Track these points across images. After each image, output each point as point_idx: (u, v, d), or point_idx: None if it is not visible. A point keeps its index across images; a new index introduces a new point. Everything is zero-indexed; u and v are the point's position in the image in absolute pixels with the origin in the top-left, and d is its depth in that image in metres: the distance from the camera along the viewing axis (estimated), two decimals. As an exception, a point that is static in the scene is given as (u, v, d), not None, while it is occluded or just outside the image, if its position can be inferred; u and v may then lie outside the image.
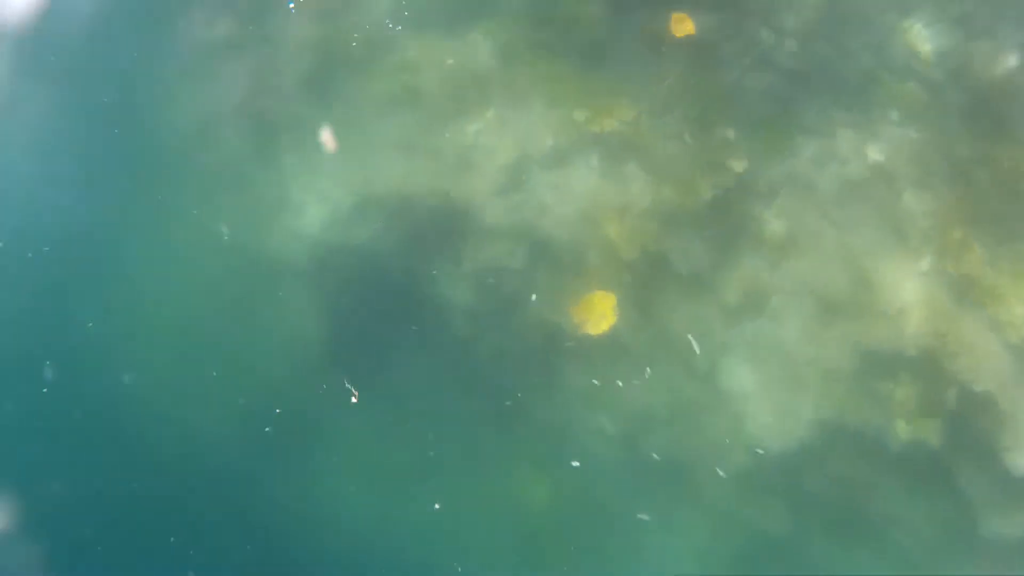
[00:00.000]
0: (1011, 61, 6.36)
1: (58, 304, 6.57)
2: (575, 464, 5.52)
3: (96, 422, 6.18)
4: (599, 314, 5.47)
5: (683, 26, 6.24)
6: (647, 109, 5.96)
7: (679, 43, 6.25)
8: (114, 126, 7.25)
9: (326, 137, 6.81)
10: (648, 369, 5.48)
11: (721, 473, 5.25)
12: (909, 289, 5.61)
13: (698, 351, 5.48)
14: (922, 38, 6.49)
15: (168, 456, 5.99)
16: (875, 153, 6.03)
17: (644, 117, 5.94)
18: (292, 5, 7.38)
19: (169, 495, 5.93)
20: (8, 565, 5.74)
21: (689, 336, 5.55)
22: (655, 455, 5.37)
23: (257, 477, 5.94)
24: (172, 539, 5.71)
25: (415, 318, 6.17)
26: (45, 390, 6.19)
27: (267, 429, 5.95)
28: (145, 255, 6.77)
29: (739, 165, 5.83)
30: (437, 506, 5.59)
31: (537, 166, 6.10)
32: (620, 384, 5.59)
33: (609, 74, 6.15)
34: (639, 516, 5.34)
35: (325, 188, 6.61)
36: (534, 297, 5.88)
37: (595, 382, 5.67)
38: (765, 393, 5.34)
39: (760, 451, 5.23)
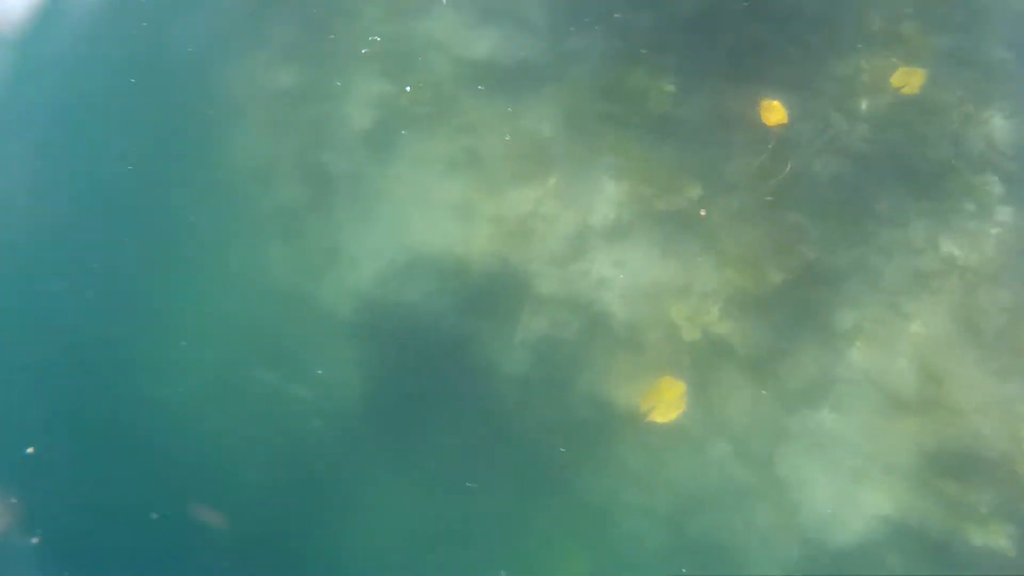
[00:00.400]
0: (1094, 158, 7.03)
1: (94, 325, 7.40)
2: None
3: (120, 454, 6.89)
4: (667, 401, 6.09)
5: (774, 114, 7.05)
6: (715, 189, 6.72)
7: (753, 125, 7.05)
8: (163, 164, 8.26)
9: (384, 193, 7.69)
10: (704, 450, 6.05)
11: (770, 557, 5.74)
12: (982, 388, 6.13)
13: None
14: (1001, 129, 7.21)
15: (184, 501, 6.65)
16: (949, 245, 6.67)
17: (712, 196, 6.69)
18: (365, 50, 8.42)
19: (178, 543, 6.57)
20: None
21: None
22: (700, 537, 5.90)
23: (278, 533, 6.56)
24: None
25: (461, 382, 6.86)
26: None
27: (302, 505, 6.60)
28: (186, 296, 7.62)
29: (808, 251, 6.50)
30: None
31: (599, 238, 6.85)
32: (671, 465, 6.16)
33: (677, 151, 6.95)
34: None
35: (379, 244, 7.44)
36: (584, 371, 6.55)
37: (645, 462, 6.25)
38: (823, 484, 5.85)
39: (814, 541, 5.70)
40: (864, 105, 7.27)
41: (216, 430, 7.01)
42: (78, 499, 6.90)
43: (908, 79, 7.41)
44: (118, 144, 8.45)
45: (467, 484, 6.54)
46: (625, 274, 6.65)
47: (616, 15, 8.12)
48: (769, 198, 6.65)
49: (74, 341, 7.33)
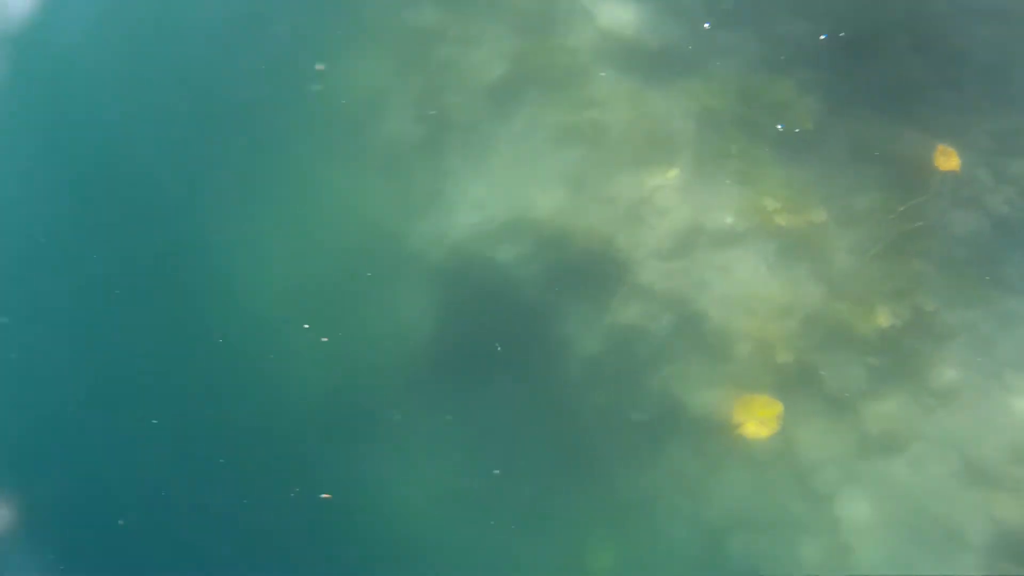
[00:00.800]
0: None
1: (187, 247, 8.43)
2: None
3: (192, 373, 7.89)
4: (760, 419, 6.77)
5: (948, 160, 7.63)
6: (840, 218, 7.33)
7: (895, 163, 7.62)
8: (276, 87, 9.22)
9: (498, 149, 8.51)
10: (766, 472, 6.70)
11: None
12: (1073, 480, 6.61)
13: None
14: None
15: (239, 426, 7.58)
16: (1073, 331, 7.13)
17: (835, 225, 7.31)
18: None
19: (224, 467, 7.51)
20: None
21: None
22: (737, 557, 6.55)
23: (317, 464, 7.44)
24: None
25: (533, 351, 7.63)
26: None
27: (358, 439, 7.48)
28: (277, 219, 8.57)
29: (924, 301, 7.06)
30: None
31: (708, 240, 7.54)
32: (727, 480, 6.82)
33: (809, 171, 7.58)
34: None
35: (482, 198, 8.27)
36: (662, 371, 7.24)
37: (700, 470, 6.93)
38: (879, 535, 6.42)
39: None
40: (1014, 167, 7.75)
41: (283, 357, 7.95)
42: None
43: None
44: (233, 63, 9.51)
45: (505, 450, 7.32)
46: (727, 281, 7.32)
47: (772, 19, 8.76)
48: (895, 240, 7.21)
49: (174, 263, 8.35)
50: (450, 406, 7.59)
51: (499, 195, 8.23)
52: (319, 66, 9.15)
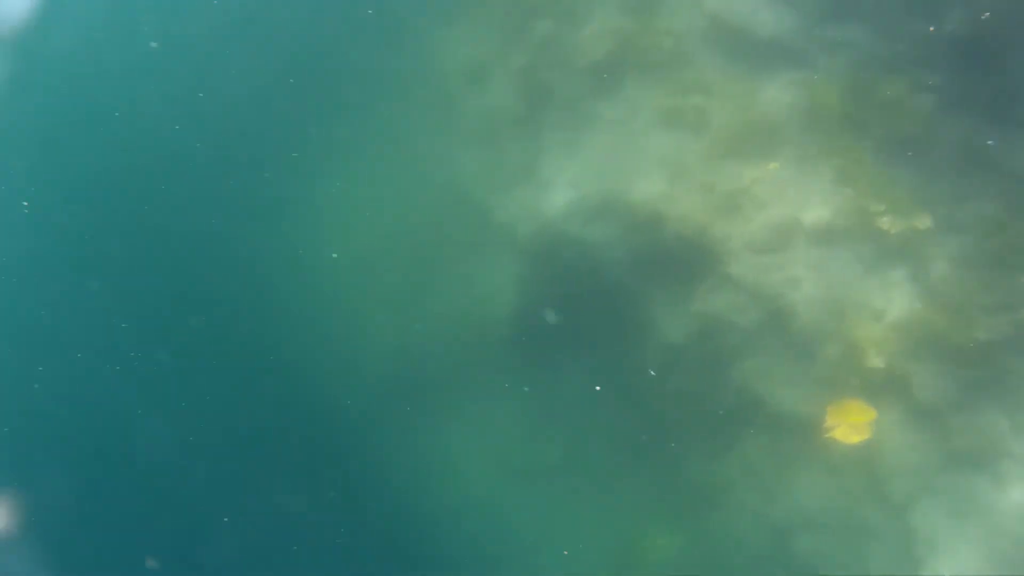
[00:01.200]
0: None
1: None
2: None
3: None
4: (853, 424, 6.72)
5: None
6: (944, 225, 7.15)
7: (1004, 171, 7.36)
8: (374, 55, 9.33)
9: (596, 128, 8.50)
10: (841, 475, 6.67)
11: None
12: None
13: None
14: None
15: (324, 382, 7.84)
16: None
17: (939, 232, 7.13)
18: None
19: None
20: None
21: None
22: (802, 556, 6.57)
23: (389, 424, 7.67)
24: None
25: (613, 331, 7.70)
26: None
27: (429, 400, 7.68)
28: (367, 184, 8.76)
29: (1027, 317, 6.89)
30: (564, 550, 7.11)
31: (804, 237, 7.45)
32: (800, 479, 6.81)
33: (916, 175, 7.40)
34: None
35: (577, 176, 8.31)
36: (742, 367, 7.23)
37: (774, 467, 6.93)
38: (954, 549, 6.35)
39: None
40: None
41: (364, 316, 8.19)
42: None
43: None
44: (336, 31, 9.66)
45: (577, 424, 7.43)
46: (821, 280, 7.24)
47: (888, 14, 8.49)
48: (1001, 252, 7.00)
49: (269, 224, 8.64)
50: (527, 379, 7.73)
51: (594, 175, 8.26)
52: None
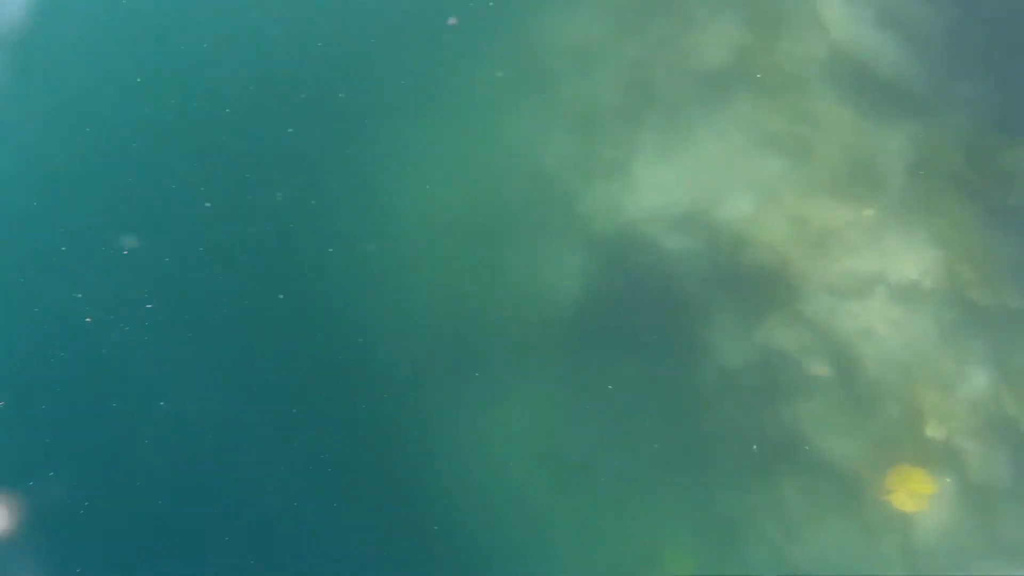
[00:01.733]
0: None
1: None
2: None
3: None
4: (912, 492, 6.54)
5: None
6: (1039, 309, 6.88)
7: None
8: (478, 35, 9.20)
9: (696, 137, 8.31)
10: (874, 536, 6.49)
11: None
12: None
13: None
14: None
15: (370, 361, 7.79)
16: None
17: (1032, 316, 6.87)
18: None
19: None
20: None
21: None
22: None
23: (433, 392, 7.61)
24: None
25: (672, 343, 7.55)
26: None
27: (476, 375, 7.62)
28: (466, 148, 8.67)
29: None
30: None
31: (886, 290, 7.22)
32: (827, 529, 6.65)
33: (1017, 250, 7.10)
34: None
35: (667, 181, 8.15)
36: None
37: (805, 512, 6.77)
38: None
39: None
40: None
41: (429, 279, 8.11)
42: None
43: None
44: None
45: (620, 432, 7.33)
46: (895, 338, 7.02)
47: (1021, 82, 8.14)
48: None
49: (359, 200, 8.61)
50: (575, 372, 7.64)
51: (684, 184, 8.09)
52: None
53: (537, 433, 7.49)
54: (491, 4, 9.20)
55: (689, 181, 8.07)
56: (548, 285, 7.99)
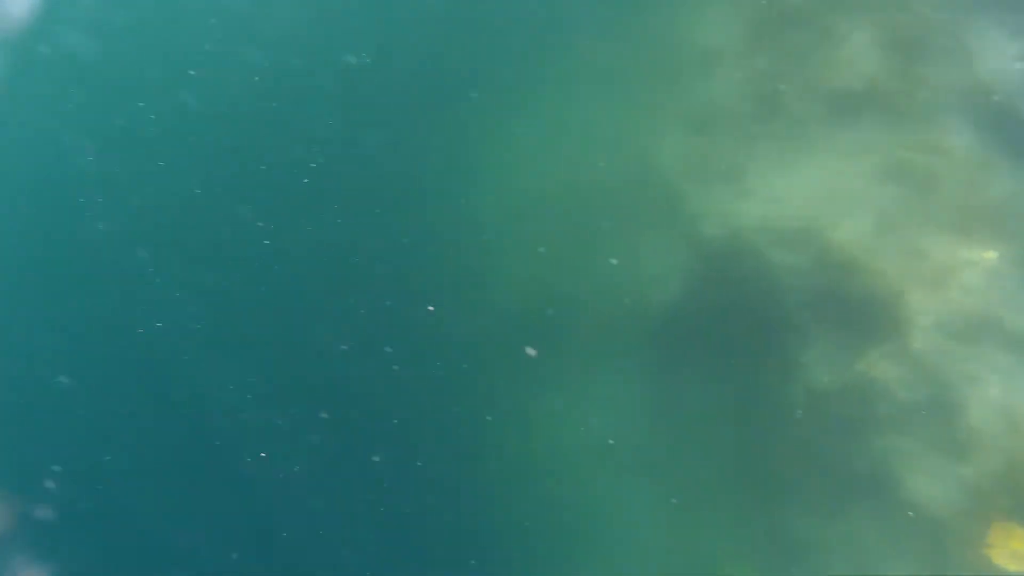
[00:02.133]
0: None
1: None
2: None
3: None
4: (1012, 551, 6.31)
5: None
6: None
7: None
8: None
9: (817, 155, 8.11)
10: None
11: None
12: None
13: None
14: None
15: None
16: None
17: None
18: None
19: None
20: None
21: None
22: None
23: (509, 373, 7.59)
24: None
25: (765, 359, 7.40)
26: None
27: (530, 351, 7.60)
28: (581, 134, 8.61)
29: None
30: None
31: (1001, 337, 6.99)
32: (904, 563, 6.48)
33: None
34: None
35: (783, 195, 7.97)
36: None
37: (883, 548, 6.61)
38: None
39: None
40: None
41: (523, 260, 8.08)
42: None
43: None
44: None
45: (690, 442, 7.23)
46: (1003, 387, 6.78)
47: None
48: None
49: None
50: (658, 373, 7.52)
51: (801, 199, 7.91)
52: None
53: (608, 427, 7.41)
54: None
55: (805, 197, 7.88)
56: (644, 280, 7.89)
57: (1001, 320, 7.02)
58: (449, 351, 7.69)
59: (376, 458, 7.29)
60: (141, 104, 8.81)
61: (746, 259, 7.77)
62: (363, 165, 8.55)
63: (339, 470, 7.30)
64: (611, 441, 7.30)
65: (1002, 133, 7.91)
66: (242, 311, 7.96)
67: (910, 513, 6.67)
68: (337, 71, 8.94)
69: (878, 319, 7.21)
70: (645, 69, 8.90)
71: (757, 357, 7.46)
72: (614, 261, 7.98)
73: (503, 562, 7.05)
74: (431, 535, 7.09)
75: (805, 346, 7.33)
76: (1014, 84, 8.12)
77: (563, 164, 8.50)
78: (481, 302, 7.92)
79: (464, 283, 8.06)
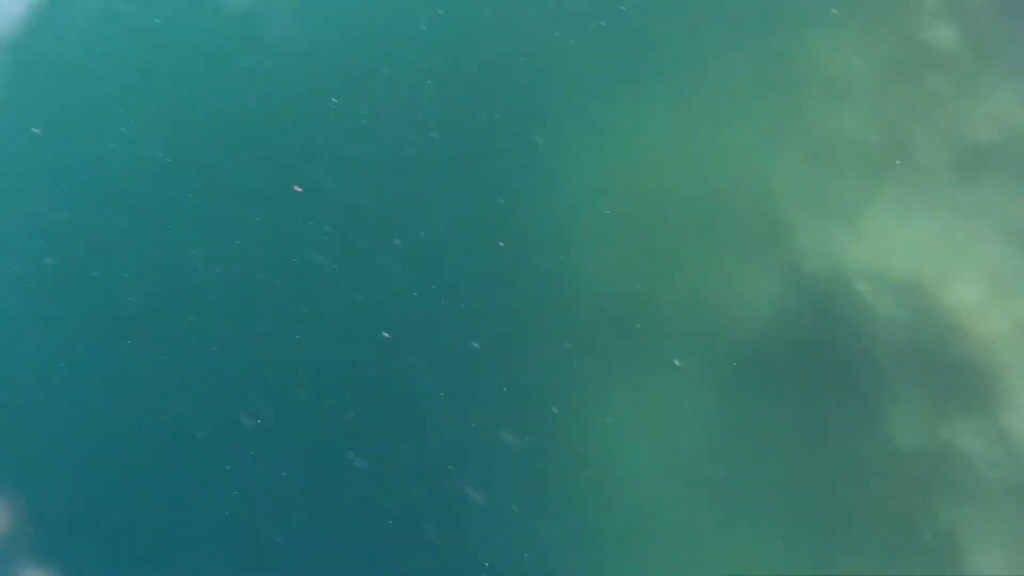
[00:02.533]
0: None
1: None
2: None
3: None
4: None
5: None
6: None
7: None
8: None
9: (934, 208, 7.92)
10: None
11: None
12: None
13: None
14: None
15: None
16: None
17: None
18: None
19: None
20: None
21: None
22: None
23: (586, 381, 7.65)
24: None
25: (846, 408, 7.33)
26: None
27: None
28: (695, 155, 8.53)
29: None
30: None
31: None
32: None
33: None
34: None
35: (897, 243, 7.81)
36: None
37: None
38: None
39: None
40: None
41: (616, 271, 8.07)
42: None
43: None
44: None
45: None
46: (1093, 485, 6.63)
47: None
48: None
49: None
50: (736, 401, 7.44)
51: (913, 251, 7.75)
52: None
53: (676, 446, 7.41)
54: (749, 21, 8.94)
55: (920, 250, 7.72)
56: (735, 305, 7.83)
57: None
58: (538, 355, 7.82)
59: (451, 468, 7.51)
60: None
61: (846, 302, 7.68)
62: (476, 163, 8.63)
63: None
64: (673, 455, 7.38)
65: None
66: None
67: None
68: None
69: (973, 388, 7.07)
70: (770, 92, 8.72)
71: (840, 402, 7.39)
72: (707, 280, 7.96)
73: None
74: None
75: (891, 401, 7.24)
76: None
77: (678, 177, 8.42)
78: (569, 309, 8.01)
79: (556, 291, 8.13)
